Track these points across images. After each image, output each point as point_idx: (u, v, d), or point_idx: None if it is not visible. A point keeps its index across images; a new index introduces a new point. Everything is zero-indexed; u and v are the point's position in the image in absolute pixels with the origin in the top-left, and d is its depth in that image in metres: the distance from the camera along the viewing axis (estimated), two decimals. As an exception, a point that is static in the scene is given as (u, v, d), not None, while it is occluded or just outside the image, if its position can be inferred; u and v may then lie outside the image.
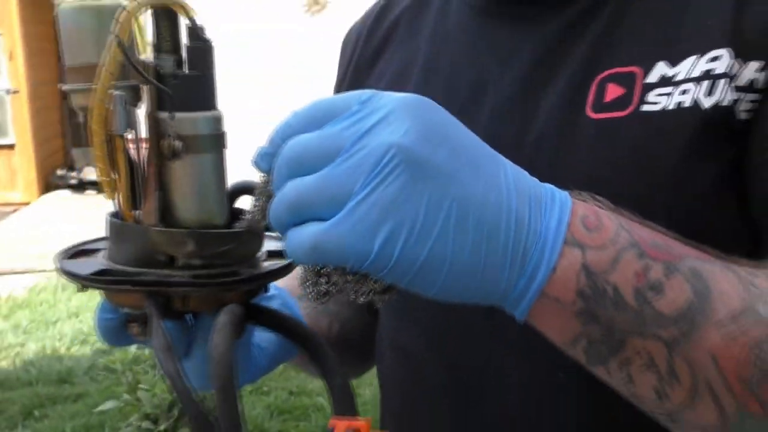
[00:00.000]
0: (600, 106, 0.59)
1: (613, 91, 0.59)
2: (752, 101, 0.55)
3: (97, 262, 0.53)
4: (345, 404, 0.51)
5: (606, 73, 0.60)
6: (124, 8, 0.48)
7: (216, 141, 0.51)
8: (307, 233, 0.42)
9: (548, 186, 0.46)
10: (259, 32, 8.09)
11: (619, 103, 0.58)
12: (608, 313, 0.44)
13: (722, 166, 0.55)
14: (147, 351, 3.05)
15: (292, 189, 0.43)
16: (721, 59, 0.55)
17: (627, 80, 0.59)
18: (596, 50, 0.61)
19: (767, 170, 0.54)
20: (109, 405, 2.90)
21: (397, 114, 0.42)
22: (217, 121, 0.51)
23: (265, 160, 0.45)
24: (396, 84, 0.72)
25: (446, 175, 0.42)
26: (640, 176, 0.56)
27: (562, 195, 0.46)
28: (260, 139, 0.47)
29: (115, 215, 0.52)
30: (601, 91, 0.59)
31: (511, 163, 0.46)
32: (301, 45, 7.99)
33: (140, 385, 2.65)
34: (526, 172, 0.46)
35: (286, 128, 0.45)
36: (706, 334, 0.44)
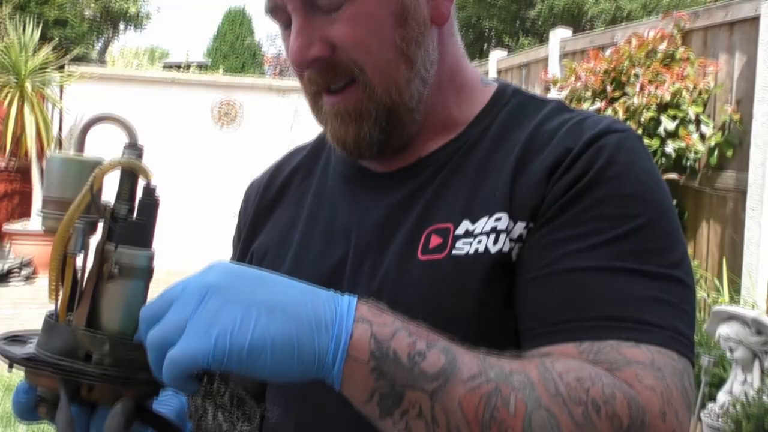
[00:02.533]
0: (426, 250, 0.81)
1: (435, 240, 0.81)
2: (520, 248, 0.77)
3: (28, 349, 0.65)
4: None
5: (432, 227, 0.82)
6: (100, 166, 0.64)
7: (144, 273, 0.66)
8: (167, 357, 0.58)
9: (333, 295, 0.63)
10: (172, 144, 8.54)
11: (439, 248, 0.80)
12: (391, 369, 0.60)
13: (505, 290, 0.76)
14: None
15: (152, 336, 0.59)
16: (502, 220, 0.78)
17: (444, 233, 0.81)
18: (426, 211, 0.84)
19: (521, 294, 0.76)
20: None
21: (206, 271, 0.61)
22: (150, 258, 0.66)
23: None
24: (287, 229, 0.95)
25: (250, 292, 0.59)
26: (452, 299, 0.77)
27: (350, 297, 0.63)
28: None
29: (50, 315, 0.66)
30: (427, 240, 0.81)
31: (305, 284, 0.63)
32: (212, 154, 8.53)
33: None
34: (319, 289, 0.63)
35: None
36: (455, 388, 0.61)
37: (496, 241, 0.77)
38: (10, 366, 0.64)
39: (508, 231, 0.77)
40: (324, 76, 0.82)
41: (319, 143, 1.02)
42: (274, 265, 0.90)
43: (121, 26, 11.43)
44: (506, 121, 0.86)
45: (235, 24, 23.53)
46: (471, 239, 0.79)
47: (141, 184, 0.67)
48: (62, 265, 0.64)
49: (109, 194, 0.66)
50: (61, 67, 8.24)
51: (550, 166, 0.77)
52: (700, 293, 4.26)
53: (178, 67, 15.06)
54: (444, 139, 0.88)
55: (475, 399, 0.60)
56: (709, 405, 2.87)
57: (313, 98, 0.86)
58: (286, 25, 0.85)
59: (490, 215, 0.79)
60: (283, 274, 0.84)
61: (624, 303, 0.69)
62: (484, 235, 0.78)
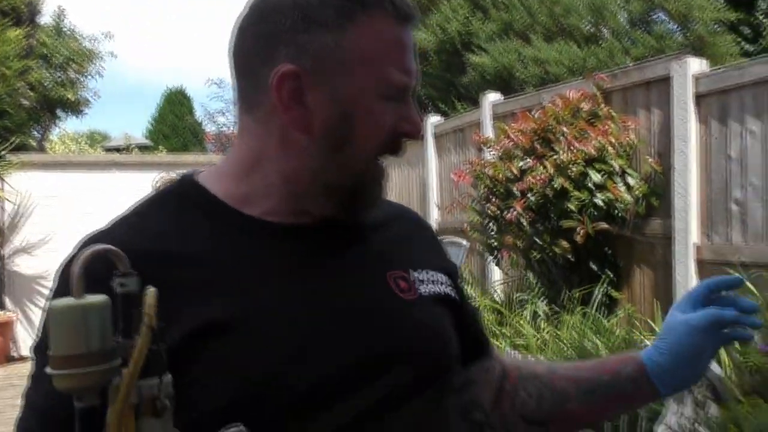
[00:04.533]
0: (400, 291, 0.95)
1: (402, 284, 0.96)
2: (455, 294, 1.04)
3: None
4: None
5: (390, 273, 0.96)
6: (146, 310, 0.60)
7: (174, 396, 0.64)
8: None
9: None
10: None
11: (409, 290, 0.96)
12: None
13: (456, 318, 1.02)
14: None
15: None
16: (443, 276, 1.03)
17: (405, 278, 0.97)
18: (376, 259, 0.98)
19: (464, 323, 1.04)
20: None
21: None
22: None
23: None
24: (245, 300, 0.87)
25: None
26: (435, 328, 0.97)
27: None
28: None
29: None
30: (396, 283, 0.95)
31: None
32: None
33: None
34: None
35: None
36: None
37: (441, 287, 1.01)
38: None
39: (448, 284, 1.02)
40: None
41: (183, 217, 0.94)
42: (267, 331, 0.86)
43: (60, 113, 11.48)
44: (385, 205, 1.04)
45: (175, 104, 23.69)
46: (423, 285, 0.98)
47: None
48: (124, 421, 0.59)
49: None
50: (0, 157, 8.22)
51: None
52: (638, 336, 4.44)
53: (118, 149, 15.09)
54: None
55: None
56: (651, 440, 3.00)
57: (375, 162, 0.94)
58: (391, 99, 0.91)
59: (432, 270, 1.01)
60: (284, 337, 0.86)
61: None
62: (430, 283, 0.99)
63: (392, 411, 0.88)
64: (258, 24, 0.90)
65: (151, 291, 0.60)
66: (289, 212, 0.93)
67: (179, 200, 0.95)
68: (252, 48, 0.91)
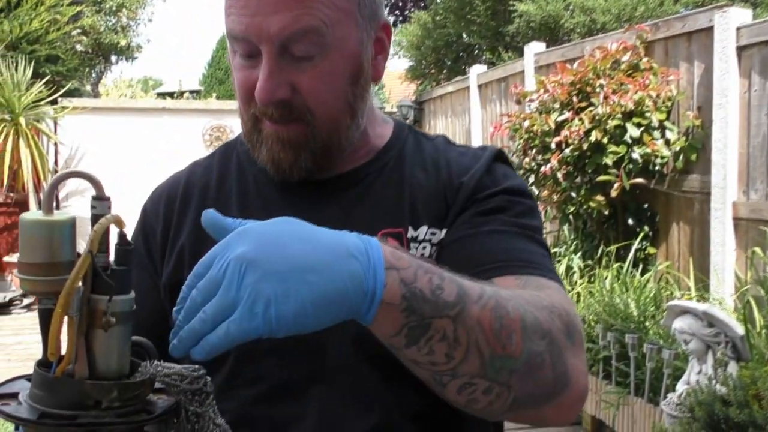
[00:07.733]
0: None
1: (392, 242, 0.90)
2: (437, 251, 0.96)
3: (30, 408, 0.64)
4: None
5: (384, 230, 0.95)
6: (95, 230, 0.65)
7: (133, 315, 0.67)
8: (219, 331, 0.63)
9: (361, 238, 0.70)
10: (167, 168, 8.63)
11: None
12: (420, 306, 0.69)
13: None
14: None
15: (204, 315, 0.65)
16: (437, 234, 0.96)
17: (398, 236, 0.95)
18: (372, 216, 0.97)
19: (455, 253, 0.94)
20: None
21: (241, 239, 0.65)
22: (133, 301, 0.68)
23: None
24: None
25: (282, 260, 0.64)
26: None
27: (373, 241, 0.70)
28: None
29: (43, 365, 0.65)
30: (384, 241, 0.93)
31: (332, 234, 0.69)
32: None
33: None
34: (344, 234, 0.69)
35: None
36: (471, 308, 0.71)
37: (425, 248, 0.96)
38: (16, 428, 0.64)
39: (434, 243, 0.96)
40: (277, 111, 0.91)
41: (223, 157, 1.10)
42: None
43: (113, 59, 11.67)
44: (412, 150, 1.04)
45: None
46: (417, 244, 0.95)
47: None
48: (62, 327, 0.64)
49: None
50: (54, 102, 8.43)
51: (471, 189, 0.99)
52: (676, 293, 4.42)
53: (171, 95, 15.29)
54: (361, 160, 1.02)
55: (487, 314, 0.73)
56: (669, 395, 3.03)
57: (254, 119, 0.94)
58: (245, 56, 0.91)
59: (430, 226, 0.96)
60: None
61: (530, 254, 0.93)
62: (425, 242, 0.96)
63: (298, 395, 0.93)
64: None
65: (105, 219, 0.65)
66: None
67: (227, 149, 1.11)
68: None
